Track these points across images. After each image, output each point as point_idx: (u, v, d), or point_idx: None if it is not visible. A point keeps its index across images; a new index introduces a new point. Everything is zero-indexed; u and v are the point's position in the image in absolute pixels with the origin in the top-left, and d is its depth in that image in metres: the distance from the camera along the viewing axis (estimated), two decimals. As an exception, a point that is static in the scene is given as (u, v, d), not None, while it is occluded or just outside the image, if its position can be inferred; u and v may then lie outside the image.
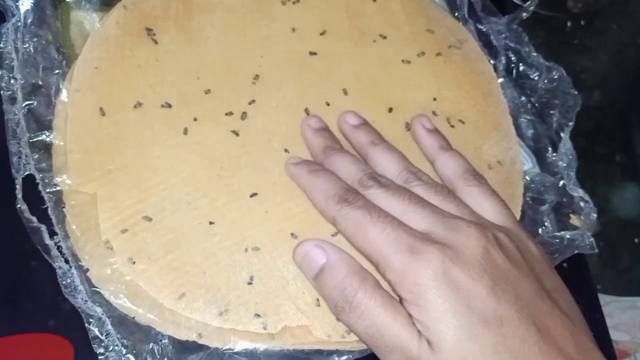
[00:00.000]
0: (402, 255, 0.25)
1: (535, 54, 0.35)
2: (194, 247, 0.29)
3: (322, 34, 0.35)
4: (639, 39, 0.47)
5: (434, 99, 0.34)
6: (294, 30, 0.35)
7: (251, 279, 0.29)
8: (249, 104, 0.33)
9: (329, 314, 0.28)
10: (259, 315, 0.28)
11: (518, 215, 0.33)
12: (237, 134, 0.32)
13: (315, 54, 0.34)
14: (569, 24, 0.46)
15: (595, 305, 0.37)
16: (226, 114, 0.32)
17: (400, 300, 0.25)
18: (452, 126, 0.34)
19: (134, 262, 0.29)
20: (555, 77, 0.35)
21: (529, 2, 0.36)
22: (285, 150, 0.32)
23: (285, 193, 0.31)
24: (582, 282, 0.37)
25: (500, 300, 0.24)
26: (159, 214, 0.30)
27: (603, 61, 0.46)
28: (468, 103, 0.34)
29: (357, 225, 0.27)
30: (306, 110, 0.33)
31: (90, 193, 0.29)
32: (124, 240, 0.29)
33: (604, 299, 0.40)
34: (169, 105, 0.32)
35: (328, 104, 0.34)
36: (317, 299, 0.29)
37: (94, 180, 0.30)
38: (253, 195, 0.31)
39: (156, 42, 0.32)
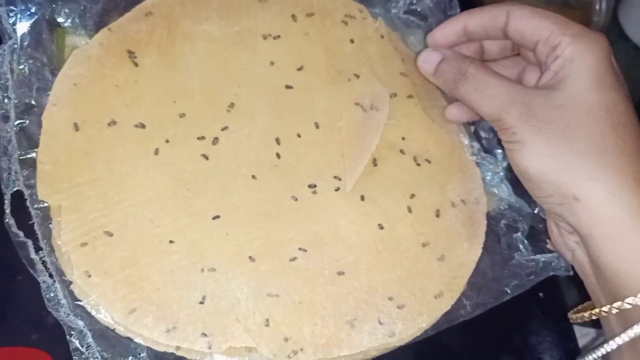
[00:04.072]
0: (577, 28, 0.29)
1: None
2: (151, 264, 0.30)
3: (299, 69, 0.36)
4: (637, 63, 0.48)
5: (403, 138, 0.35)
6: (272, 63, 0.36)
7: (203, 298, 0.29)
8: (222, 130, 0.34)
9: (277, 333, 0.28)
10: (205, 335, 0.28)
11: (479, 253, 0.33)
12: (207, 158, 0.33)
13: (291, 87, 0.36)
14: None
15: (571, 336, 0.37)
16: (198, 138, 0.33)
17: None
18: (418, 164, 0.35)
19: (89, 275, 0.29)
20: None
21: None
22: (253, 177, 0.33)
23: (247, 217, 0.32)
24: (558, 311, 0.37)
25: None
26: (121, 230, 0.30)
27: None
28: (436, 144, 0.35)
29: None
30: (277, 140, 0.34)
31: (54, 205, 0.30)
32: (83, 254, 0.29)
33: (580, 330, 0.40)
34: (143, 126, 0.33)
35: (299, 135, 0.34)
36: (267, 320, 0.29)
37: (61, 192, 0.30)
38: (216, 217, 0.31)
39: (136, 65, 0.33)
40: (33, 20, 0.31)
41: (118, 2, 0.34)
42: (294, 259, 0.31)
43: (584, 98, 0.28)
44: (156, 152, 0.32)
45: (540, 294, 0.37)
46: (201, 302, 0.29)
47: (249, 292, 0.30)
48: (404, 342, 0.31)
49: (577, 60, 0.29)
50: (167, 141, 0.33)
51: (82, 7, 0.33)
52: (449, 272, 0.32)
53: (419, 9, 0.37)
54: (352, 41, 0.38)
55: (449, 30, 0.34)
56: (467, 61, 0.32)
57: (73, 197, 0.30)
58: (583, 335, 0.44)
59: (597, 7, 0.44)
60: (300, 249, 0.31)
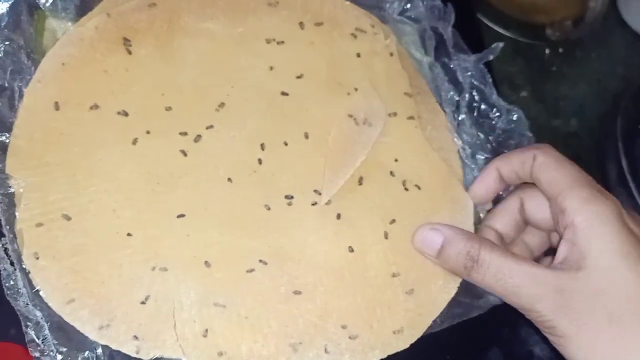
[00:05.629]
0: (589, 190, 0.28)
1: (495, 97, 0.35)
2: (102, 255, 0.28)
3: (298, 77, 0.35)
4: (617, 68, 0.47)
5: (395, 160, 0.33)
6: (271, 68, 0.35)
7: (146, 298, 0.27)
8: (207, 128, 0.32)
9: (212, 346, 0.26)
10: (136, 338, 0.26)
11: (453, 293, 0.31)
12: (186, 154, 0.32)
13: (286, 94, 0.34)
14: (547, 51, 0.46)
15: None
16: (180, 133, 0.32)
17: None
18: (407, 189, 0.32)
19: (37, 258, 0.28)
20: (514, 118, 0.34)
21: (495, 45, 0.35)
22: (229, 180, 0.31)
23: (213, 220, 0.30)
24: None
25: None
26: (80, 215, 0.29)
27: (581, 89, 0.46)
28: (430, 171, 0.33)
29: None
30: (262, 145, 0.32)
31: (20, 180, 0.29)
32: (36, 234, 0.28)
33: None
34: (126, 114, 0.32)
35: (286, 144, 0.33)
36: (206, 330, 0.27)
37: (29, 168, 0.29)
38: (180, 216, 0.30)
39: (130, 53, 0.33)
40: (12, 1, 0.31)
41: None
42: (252, 270, 0.29)
43: (615, 280, 0.26)
44: (134, 141, 0.31)
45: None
46: (143, 302, 0.27)
47: (196, 298, 0.27)
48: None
49: (590, 232, 0.27)
50: (147, 132, 0.32)
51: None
52: (415, 308, 0.29)
53: (412, 16, 0.35)
54: (358, 55, 0.36)
55: (488, 181, 0.32)
56: (475, 243, 0.29)
57: (40, 176, 0.29)
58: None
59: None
60: (260, 260, 0.29)
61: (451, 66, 0.36)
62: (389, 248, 0.30)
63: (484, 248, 0.28)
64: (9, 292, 0.27)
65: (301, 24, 0.36)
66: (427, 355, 0.33)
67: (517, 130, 0.34)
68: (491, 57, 0.35)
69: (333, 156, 0.32)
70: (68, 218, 0.29)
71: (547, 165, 0.30)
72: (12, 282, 0.27)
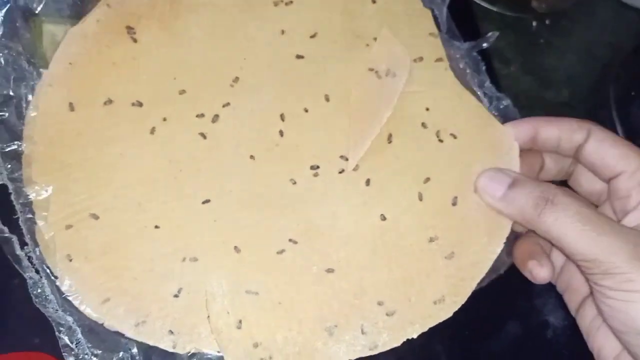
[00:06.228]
0: None
1: (488, 84, 0.32)
2: (132, 251, 0.28)
3: (312, 36, 0.32)
4: (605, 37, 0.46)
5: (427, 109, 0.30)
6: (283, 32, 0.32)
7: (179, 291, 0.27)
8: (223, 106, 0.31)
9: (247, 338, 0.25)
10: (172, 332, 0.26)
11: (499, 250, 0.27)
12: (205, 137, 0.30)
13: (302, 57, 0.32)
14: (534, 24, 0.46)
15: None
16: (197, 116, 0.31)
17: None
18: (441, 140, 0.29)
19: (70, 260, 0.28)
20: (503, 106, 0.32)
21: (490, 34, 0.33)
22: (251, 157, 0.30)
23: (239, 203, 0.29)
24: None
25: None
26: (107, 213, 0.29)
27: (570, 59, 0.46)
28: (466, 114, 0.29)
29: None
30: (281, 116, 0.31)
31: (39, 187, 0.29)
32: (67, 236, 0.28)
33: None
34: (140, 104, 0.31)
35: (306, 110, 0.31)
36: (240, 321, 0.26)
37: (51, 172, 0.29)
38: (205, 201, 0.29)
39: (135, 41, 0.32)
40: (5, 8, 0.30)
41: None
42: (282, 251, 0.27)
43: None
44: (152, 131, 0.30)
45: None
46: (176, 295, 0.26)
47: (227, 287, 0.26)
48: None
49: None
50: (164, 119, 0.31)
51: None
52: (456, 273, 0.27)
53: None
54: (373, 1, 0.33)
55: (520, 133, 0.29)
56: (551, 186, 0.27)
57: (63, 179, 0.29)
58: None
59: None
60: (290, 240, 0.28)
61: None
62: (424, 210, 0.28)
63: (560, 190, 0.26)
64: (37, 299, 0.27)
65: (308, -21, 0.33)
66: (445, 334, 0.32)
67: (507, 118, 0.31)
68: (485, 46, 0.33)
69: (357, 116, 0.30)
70: (96, 217, 0.29)
71: (612, 141, 0.28)
72: (39, 290, 0.28)
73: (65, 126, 0.30)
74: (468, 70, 0.31)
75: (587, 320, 0.29)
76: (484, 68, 0.32)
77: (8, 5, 0.30)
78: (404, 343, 0.27)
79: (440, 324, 0.28)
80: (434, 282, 0.27)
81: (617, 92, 0.42)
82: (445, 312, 0.26)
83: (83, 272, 0.27)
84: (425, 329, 0.26)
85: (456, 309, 0.27)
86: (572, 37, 0.46)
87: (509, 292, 0.32)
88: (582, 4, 0.47)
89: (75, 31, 0.31)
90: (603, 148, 0.28)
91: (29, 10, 0.31)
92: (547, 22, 0.46)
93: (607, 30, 0.47)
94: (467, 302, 0.29)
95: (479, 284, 0.29)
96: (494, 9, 0.46)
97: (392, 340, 0.26)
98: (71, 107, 0.30)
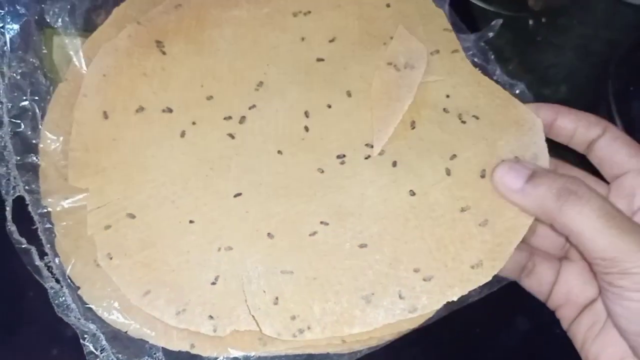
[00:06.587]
0: None
1: (499, 72, 0.33)
2: (168, 245, 0.28)
3: (331, 40, 0.34)
4: (601, 32, 0.46)
5: (447, 96, 0.31)
6: (303, 39, 0.34)
7: (216, 279, 0.27)
8: (249, 109, 0.32)
9: (284, 312, 0.25)
10: (212, 317, 0.26)
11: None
12: (233, 137, 0.31)
13: (322, 60, 0.33)
14: (530, 22, 0.46)
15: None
16: (225, 118, 0.32)
17: None
18: (464, 122, 0.30)
19: (111, 258, 0.28)
20: (517, 92, 0.33)
21: (494, 22, 0.34)
22: (279, 152, 0.31)
23: (268, 193, 0.29)
24: None
25: None
26: (142, 211, 0.29)
27: (568, 56, 0.46)
28: (486, 98, 0.30)
29: None
30: (306, 113, 0.32)
31: (83, 188, 0.30)
32: (106, 236, 0.29)
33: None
34: (170, 110, 0.32)
35: (329, 106, 0.32)
36: (277, 298, 0.26)
37: (88, 176, 0.30)
38: (237, 195, 0.29)
39: (164, 53, 0.33)
40: (22, 22, 0.31)
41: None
42: (314, 233, 0.27)
43: None
44: (182, 134, 0.31)
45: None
46: (213, 283, 0.27)
47: (263, 270, 0.27)
48: (419, 324, 0.26)
49: None
50: (193, 123, 0.32)
51: (69, 5, 0.32)
52: (492, 239, 0.27)
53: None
54: (388, 5, 0.34)
55: (541, 115, 0.30)
56: (575, 178, 0.27)
57: (99, 182, 0.30)
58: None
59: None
60: (321, 222, 0.28)
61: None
62: (453, 183, 0.28)
63: (584, 183, 0.26)
64: (59, 309, 0.28)
65: (325, -10, 0.35)
66: (455, 330, 0.32)
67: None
68: (491, 35, 0.34)
69: (379, 106, 0.31)
70: (132, 216, 0.29)
71: (623, 141, 0.28)
72: (61, 299, 0.28)
73: (100, 133, 0.31)
74: (477, 60, 0.32)
75: (583, 329, 0.28)
76: (492, 57, 0.33)
77: (25, 19, 0.31)
78: (413, 334, 0.27)
79: (448, 320, 0.28)
80: (470, 248, 0.27)
81: (615, 88, 0.42)
82: (484, 276, 0.26)
83: (123, 267, 0.28)
84: (465, 292, 0.26)
85: (495, 273, 0.26)
86: (569, 34, 0.47)
87: (518, 288, 0.31)
88: (578, 1, 0.47)
89: (109, 45, 0.33)
90: (615, 145, 0.28)
91: (44, 22, 0.32)
92: (543, 20, 0.46)
93: (604, 26, 0.47)
94: (476, 301, 0.29)
95: (489, 288, 0.29)
96: (491, 8, 0.46)
97: (431, 303, 0.26)
98: (105, 115, 0.32)
